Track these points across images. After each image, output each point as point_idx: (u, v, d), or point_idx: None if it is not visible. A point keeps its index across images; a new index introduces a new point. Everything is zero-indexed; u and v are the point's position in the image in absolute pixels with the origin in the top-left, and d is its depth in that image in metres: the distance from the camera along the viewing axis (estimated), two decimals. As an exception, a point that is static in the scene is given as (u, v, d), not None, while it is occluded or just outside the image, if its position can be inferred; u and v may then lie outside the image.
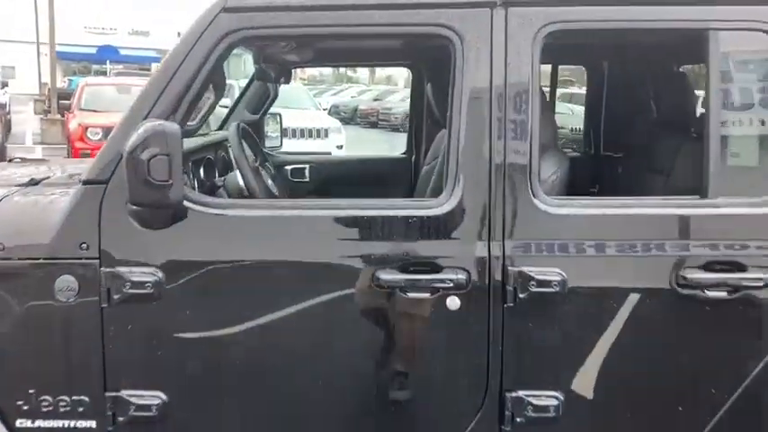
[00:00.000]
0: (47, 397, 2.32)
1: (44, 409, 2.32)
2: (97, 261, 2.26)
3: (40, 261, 2.27)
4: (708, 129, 2.31)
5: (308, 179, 4.39)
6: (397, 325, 2.35)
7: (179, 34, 2.36)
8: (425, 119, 4.28)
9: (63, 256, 2.27)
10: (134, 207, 2.19)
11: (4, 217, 2.38)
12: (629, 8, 2.29)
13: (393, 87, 37.90)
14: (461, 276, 2.25)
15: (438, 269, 2.26)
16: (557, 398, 2.31)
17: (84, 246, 2.26)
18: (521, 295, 2.25)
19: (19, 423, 2.32)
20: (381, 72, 50.67)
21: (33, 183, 2.66)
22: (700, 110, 3.53)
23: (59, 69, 33.41)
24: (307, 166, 4.40)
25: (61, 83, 28.27)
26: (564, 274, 2.25)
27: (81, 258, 2.27)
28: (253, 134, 3.21)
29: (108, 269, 2.26)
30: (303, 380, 2.35)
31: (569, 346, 2.32)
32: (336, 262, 2.29)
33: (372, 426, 2.40)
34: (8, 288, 2.28)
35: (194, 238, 2.28)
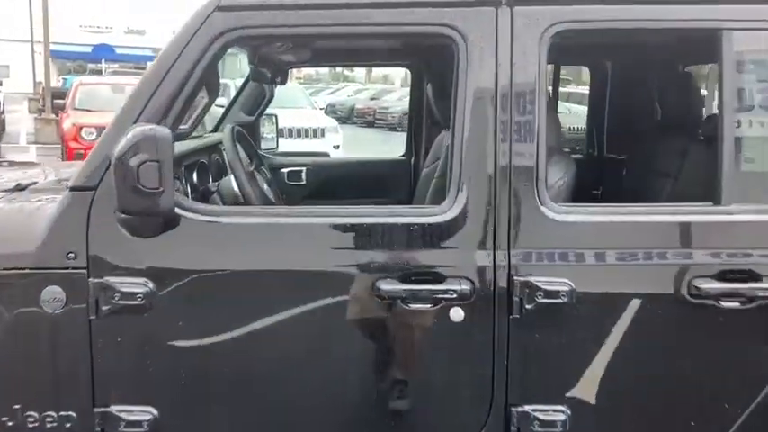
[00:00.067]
0: (33, 413, 2.23)
1: (30, 426, 2.23)
2: (85, 271, 2.17)
3: (26, 271, 2.18)
4: (721, 132, 2.23)
5: (304, 182, 4.30)
6: (398, 337, 2.26)
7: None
8: (425, 120, 4.21)
9: (49, 265, 2.18)
10: (123, 215, 2.09)
11: None
12: (639, 7, 2.20)
13: (390, 86, 37.90)
14: (465, 287, 2.16)
15: (441, 279, 2.18)
16: (564, 412, 2.22)
17: (72, 255, 2.17)
18: (527, 306, 2.16)
19: None
20: (378, 71, 50.55)
21: (20, 188, 2.57)
22: (704, 112, 3.47)
23: (54, 68, 33.34)
24: (303, 168, 4.31)
25: (56, 82, 28.17)
26: (572, 283, 2.17)
27: (68, 268, 2.17)
28: (248, 137, 3.12)
29: (96, 279, 2.17)
30: (301, 394, 2.27)
31: (577, 359, 2.23)
32: (335, 271, 2.20)
33: None
34: None
35: (187, 247, 2.19)
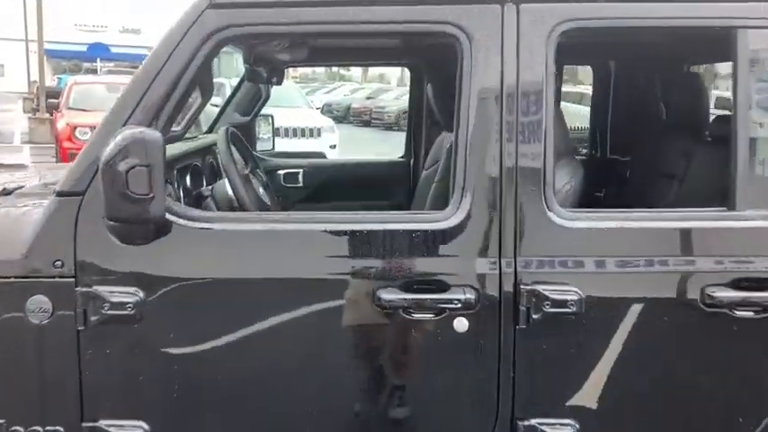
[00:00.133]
0: (18, 428, 2.14)
1: None
2: (72, 280, 2.09)
3: (11, 279, 2.10)
4: (734, 134, 2.15)
5: (301, 184, 4.22)
6: (400, 348, 2.18)
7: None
8: (425, 121, 4.13)
9: (35, 274, 2.09)
10: (111, 222, 2.00)
11: None
12: (651, 5, 2.12)
13: (386, 86, 37.93)
14: (470, 296, 2.08)
15: (444, 288, 2.10)
16: (572, 426, 2.15)
17: (59, 263, 2.09)
18: (534, 316, 2.08)
19: None
20: (374, 70, 50.51)
21: (5, 192, 2.48)
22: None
23: (49, 67, 33.22)
24: (300, 170, 4.23)
25: (51, 81, 28.05)
26: (581, 292, 2.08)
27: (55, 277, 2.09)
28: (242, 138, 3.02)
29: (84, 288, 2.08)
30: (299, 407, 2.18)
31: (586, 370, 2.15)
32: (333, 280, 2.11)
33: None
34: None
35: (179, 255, 2.11)
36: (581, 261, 2.11)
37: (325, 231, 2.11)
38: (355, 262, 2.11)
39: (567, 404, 2.15)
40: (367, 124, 26.21)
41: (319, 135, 13.62)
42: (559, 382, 2.16)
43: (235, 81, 5.30)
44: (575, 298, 2.08)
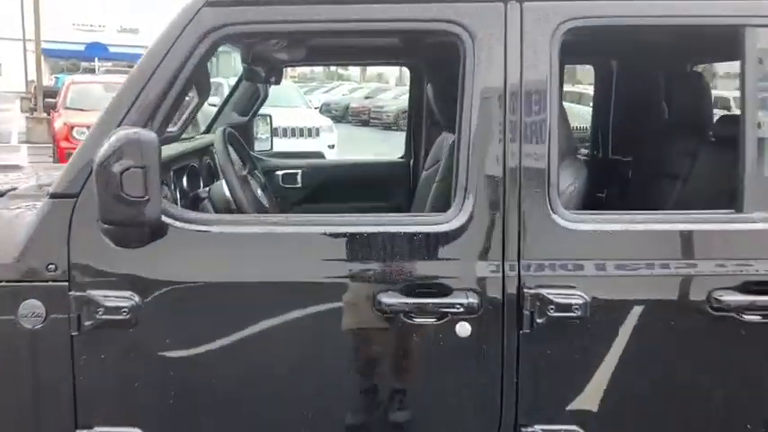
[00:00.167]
0: None
1: None
2: (66, 284, 2.04)
3: (2, 283, 2.05)
4: (742, 134, 2.11)
5: (300, 185, 4.18)
6: (401, 353, 2.13)
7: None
8: (425, 121, 4.08)
9: (28, 277, 2.04)
10: (106, 225, 1.95)
11: None
12: (658, 2, 2.08)
13: (384, 85, 37.90)
14: (472, 300, 2.04)
15: (446, 292, 2.05)
16: None
17: (52, 266, 2.04)
18: (538, 320, 2.04)
19: None
20: (372, 69, 50.49)
21: (-2, 194, 2.43)
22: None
23: (47, 67, 33.16)
24: (299, 171, 4.18)
25: (48, 80, 27.98)
26: (586, 296, 2.04)
27: (48, 281, 2.04)
28: (240, 139, 2.97)
29: (78, 293, 2.03)
30: (298, 414, 2.13)
31: (592, 376, 2.10)
32: (333, 283, 2.07)
33: None
34: None
35: (175, 258, 2.06)
36: (586, 264, 2.06)
37: (325, 234, 2.07)
38: (355, 265, 2.06)
39: (572, 410, 2.11)
40: (365, 124, 26.18)
41: (318, 135, 13.58)
42: (564, 388, 2.12)
43: (233, 81, 5.25)
44: (579, 302, 2.03)
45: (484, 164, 2.06)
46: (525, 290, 2.04)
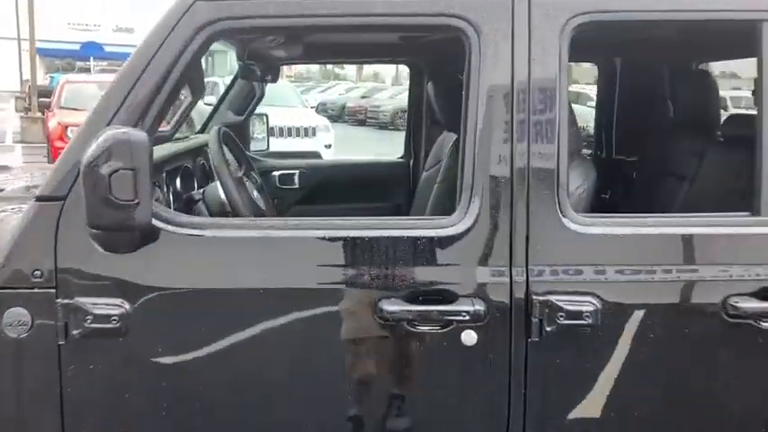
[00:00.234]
0: None
1: None
2: (53, 291, 1.95)
3: None
4: (759, 134, 2.03)
5: (297, 186, 4.10)
6: (403, 363, 2.04)
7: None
8: (425, 120, 4.01)
9: (13, 284, 1.95)
10: (94, 230, 1.86)
11: None
12: None
13: (381, 84, 37.94)
14: (478, 307, 1.95)
15: (451, 298, 1.96)
16: None
17: (38, 273, 1.95)
18: (547, 328, 1.96)
19: None
20: (368, 69, 50.48)
21: (-16, 196, 2.34)
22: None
23: (42, 66, 33.02)
24: (296, 172, 4.10)
25: (43, 80, 27.88)
26: (597, 303, 1.96)
27: (34, 288, 1.95)
28: (235, 139, 2.88)
29: (65, 300, 1.94)
30: (296, 425, 2.05)
31: (603, 386, 2.02)
32: (333, 290, 1.98)
33: None
34: None
35: (168, 264, 1.97)
36: (597, 269, 1.98)
37: (324, 238, 1.98)
38: (356, 271, 1.97)
39: (582, 421, 2.03)
40: (362, 123, 26.17)
41: (314, 134, 13.55)
42: (574, 398, 2.03)
43: (229, 80, 5.17)
44: (591, 309, 1.95)
45: (490, 164, 1.97)
46: (534, 296, 1.96)
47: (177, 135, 3.34)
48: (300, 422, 2.04)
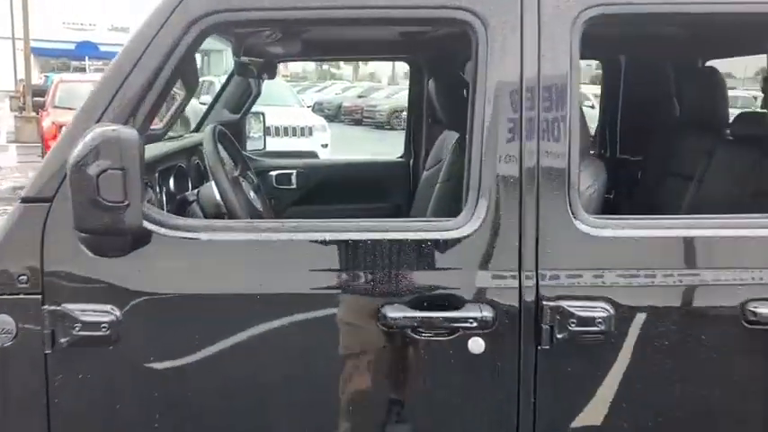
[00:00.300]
0: None
1: None
2: (39, 297, 1.85)
3: None
4: None
5: (294, 186, 4.02)
6: (408, 372, 1.95)
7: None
8: (425, 118, 3.93)
9: None
10: (82, 233, 1.77)
11: None
12: None
13: (377, 84, 37.94)
14: (486, 313, 1.87)
15: (458, 304, 1.88)
16: None
17: (23, 278, 1.86)
18: (558, 335, 1.87)
19: None
20: (365, 69, 50.47)
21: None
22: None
23: (37, 65, 32.92)
24: (293, 171, 4.02)
25: (38, 79, 27.80)
26: (610, 309, 1.87)
27: (19, 293, 1.86)
28: (231, 137, 2.79)
29: (52, 307, 1.85)
30: None
31: (616, 396, 1.93)
32: (333, 295, 1.89)
33: None
34: None
35: (160, 268, 1.88)
36: (610, 274, 1.89)
37: (324, 242, 1.89)
38: (358, 275, 1.89)
39: (594, 430, 1.95)
40: (358, 123, 26.17)
41: (311, 134, 13.49)
42: (585, 408, 1.95)
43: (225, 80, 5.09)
44: (603, 315, 1.87)
45: (498, 164, 1.89)
46: (544, 302, 1.88)
47: (171, 134, 3.26)
48: (302, 428, 1.95)
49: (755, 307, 1.89)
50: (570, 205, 1.89)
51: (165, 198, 2.62)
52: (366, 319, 1.89)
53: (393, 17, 2.02)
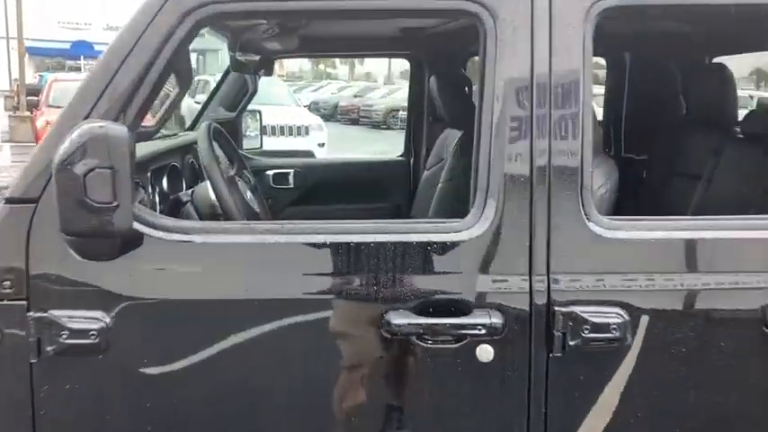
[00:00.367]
0: None
1: None
2: (24, 303, 1.77)
3: None
4: None
5: (292, 186, 3.94)
6: (413, 381, 1.87)
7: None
8: (426, 117, 3.85)
9: None
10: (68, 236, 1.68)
11: None
12: None
13: (373, 84, 37.99)
14: (495, 319, 1.78)
15: (465, 310, 1.79)
16: None
17: (7, 283, 1.77)
18: (571, 342, 1.79)
19: None
20: (361, 68, 50.48)
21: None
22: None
23: (32, 65, 32.80)
24: (291, 171, 3.94)
25: (33, 78, 27.69)
26: (625, 315, 1.79)
27: (3, 299, 1.77)
28: (227, 135, 2.70)
29: (38, 313, 1.76)
30: None
31: (632, 405, 1.85)
32: (335, 301, 1.81)
33: None
34: None
35: (153, 273, 1.79)
36: (625, 277, 1.82)
37: (326, 244, 1.80)
38: (360, 279, 1.80)
39: None
40: (355, 122, 26.19)
41: (307, 133, 13.48)
42: (599, 418, 1.86)
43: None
44: (618, 321, 1.79)
45: (507, 163, 1.80)
46: (556, 307, 1.80)
47: (165, 132, 3.17)
48: None
49: None
50: (583, 206, 1.80)
51: (157, 198, 2.53)
52: (369, 325, 1.81)
53: (396, 8, 1.94)
